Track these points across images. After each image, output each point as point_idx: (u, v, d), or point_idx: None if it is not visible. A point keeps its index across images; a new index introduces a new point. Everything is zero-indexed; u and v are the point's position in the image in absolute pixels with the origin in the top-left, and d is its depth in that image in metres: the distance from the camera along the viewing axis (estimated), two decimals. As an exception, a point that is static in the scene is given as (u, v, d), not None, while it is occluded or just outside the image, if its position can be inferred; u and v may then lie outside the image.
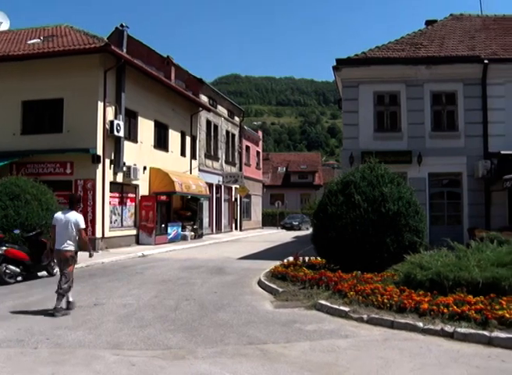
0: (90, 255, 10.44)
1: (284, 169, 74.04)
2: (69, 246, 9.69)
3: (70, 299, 9.84)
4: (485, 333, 7.55)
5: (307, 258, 14.94)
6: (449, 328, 7.87)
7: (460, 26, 25.44)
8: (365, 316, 8.86)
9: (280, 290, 11.58)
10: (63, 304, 9.58)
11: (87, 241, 10.22)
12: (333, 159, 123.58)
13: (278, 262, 15.28)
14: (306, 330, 8.29)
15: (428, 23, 26.78)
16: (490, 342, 7.38)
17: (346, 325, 8.63)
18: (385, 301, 9.21)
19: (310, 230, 15.89)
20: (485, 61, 21.48)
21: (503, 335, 7.41)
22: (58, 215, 10.05)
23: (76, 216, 9.87)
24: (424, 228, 13.75)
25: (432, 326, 8.05)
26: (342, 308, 9.43)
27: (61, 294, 9.51)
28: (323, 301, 9.99)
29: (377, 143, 21.32)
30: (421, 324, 8.16)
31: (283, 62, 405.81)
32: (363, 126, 21.84)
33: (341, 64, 22.15)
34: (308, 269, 13.05)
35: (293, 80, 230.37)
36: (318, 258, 14.55)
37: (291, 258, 15.30)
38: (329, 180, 41.03)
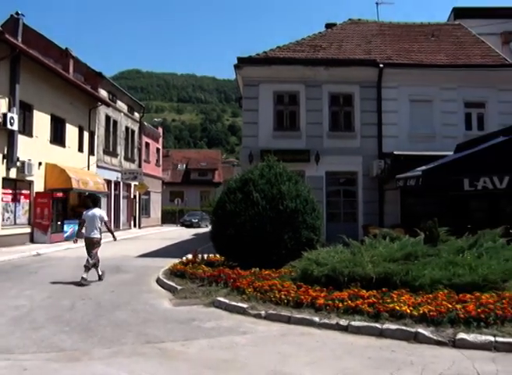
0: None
1: (184, 166, 73.69)
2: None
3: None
4: (377, 325, 7.86)
5: (206, 256, 14.91)
6: (343, 322, 8.12)
7: (357, 31, 26.28)
8: (263, 313, 8.96)
9: (179, 287, 11.50)
10: (88, 276, 12.78)
11: None
12: (233, 157, 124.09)
13: (177, 260, 15.15)
14: (204, 328, 8.28)
15: (328, 26, 27.50)
16: (382, 334, 7.69)
17: (245, 321, 8.69)
18: (283, 297, 9.35)
19: (209, 228, 15.87)
20: (381, 65, 22.33)
21: (393, 327, 7.74)
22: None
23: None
24: (320, 225, 14.10)
25: (327, 321, 8.26)
26: (240, 304, 9.49)
27: (88, 267, 12.84)
28: (221, 299, 10.01)
29: (276, 141, 21.63)
30: (317, 319, 8.36)
31: (185, 59, 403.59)
32: (263, 125, 22.08)
33: (242, 63, 22.28)
34: (207, 267, 13.05)
35: (195, 77, 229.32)
36: (217, 256, 14.56)
37: (190, 256, 15.22)
38: (229, 177, 41.18)
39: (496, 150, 14.97)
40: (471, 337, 7.23)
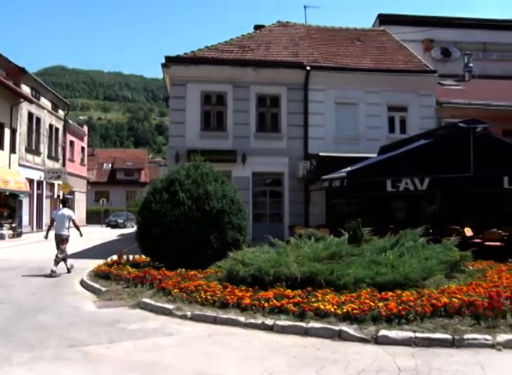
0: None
1: (110, 165, 72.44)
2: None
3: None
4: (302, 324, 7.94)
5: (131, 257, 14.68)
6: (269, 321, 8.15)
7: (286, 33, 26.52)
8: (189, 313, 8.90)
9: (103, 289, 11.26)
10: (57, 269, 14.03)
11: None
12: (160, 157, 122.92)
13: (102, 261, 14.85)
14: (129, 330, 8.14)
15: (257, 27, 27.64)
16: (307, 333, 7.77)
17: (170, 323, 8.60)
18: (209, 297, 9.31)
19: (135, 228, 15.66)
20: (308, 68, 22.63)
21: (318, 325, 7.84)
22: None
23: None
24: (246, 225, 14.16)
25: (253, 320, 8.28)
26: (166, 305, 9.39)
27: (57, 261, 14.22)
28: (147, 300, 9.88)
29: (203, 142, 21.54)
30: (242, 319, 8.36)
31: (112, 56, 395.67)
32: (190, 125, 21.95)
33: (170, 62, 22.08)
34: (132, 268, 12.83)
35: (122, 75, 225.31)
36: (143, 257, 14.37)
37: (115, 257, 14.95)
38: (156, 177, 40.78)
39: (417, 153, 15.47)
40: (392, 333, 7.42)
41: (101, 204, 55.44)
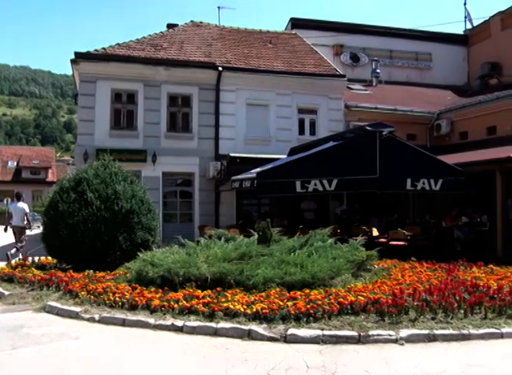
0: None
1: (15, 163, 69.62)
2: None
3: (10, 254, 15.29)
4: (212, 324, 7.94)
5: (36, 259, 14.21)
6: (179, 322, 8.10)
7: (199, 33, 26.41)
8: (97, 316, 8.69)
9: (6, 293, 10.78)
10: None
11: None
12: (68, 155, 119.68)
13: (3, 263, 14.27)
14: (34, 335, 7.82)
15: (170, 26, 27.33)
16: (217, 333, 7.78)
17: (78, 326, 8.35)
18: (117, 299, 9.14)
19: (41, 229, 15.23)
20: (220, 68, 22.62)
21: (227, 325, 7.87)
22: None
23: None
24: (156, 226, 14.03)
25: (162, 322, 8.20)
26: (73, 308, 9.13)
27: (17, 248, 15.70)
28: (53, 303, 9.56)
29: (113, 140, 21.11)
30: (152, 320, 8.26)
31: (18, 50, 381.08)
32: (99, 123, 21.43)
33: (80, 58, 21.43)
34: (38, 270, 12.40)
35: (29, 70, 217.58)
36: (50, 258, 13.94)
37: (19, 259, 14.44)
38: (63, 176, 39.63)
39: (326, 154, 15.79)
40: (300, 332, 7.55)
41: (5, 203, 53.27)
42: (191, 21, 27.89)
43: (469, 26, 32.47)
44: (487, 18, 29.75)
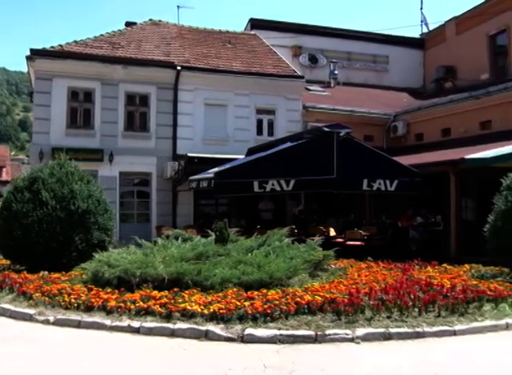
0: None
1: (-34, 162, 68.09)
2: None
3: None
4: (169, 325, 7.90)
5: (-12, 260, 13.92)
6: (135, 323, 8.03)
7: (158, 32, 26.21)
8: (51, 318, 8.53)
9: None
10: None
11: None
12: (23, 154, 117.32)
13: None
14: (-15, 339, 7.65)
15: (128, 24, 27.01)
16: (174, 334, 7.75)
17: (32, 329, 8.20)
18: (73, 300, 8.99)
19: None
20: (178, 67, 22.49)
21: (184, 326, 7.84)
22: None
23: None
24: (113, 226, 13.88)
25: (119, 323, 8.11)
26: (27, 311, 8.94)
27: None
28: (6, 305, 9.36)
29: (69, 139, 20.77)
30: (108, 322, 8.17)
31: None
32: (55, 122, 21.06)
33: (35, 54, 21.00)
34: (-10, 272, 12.16)
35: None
36: (3, 260, 13.66)
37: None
38: (18, 176, 38.86)
39: (283, 155, 15.89)
40: (258, 331, 7.57)
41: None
42: (150, 20, 27.65)
43: (425, 30, 33.08)
44: (442, 23, 30.32)
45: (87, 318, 8.39)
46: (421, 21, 33.44)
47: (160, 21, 27.84)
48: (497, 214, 11.91)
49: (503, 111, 19.17)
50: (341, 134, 15.82)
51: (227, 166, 16.98)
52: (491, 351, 7.25)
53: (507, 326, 8.34)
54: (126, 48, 23.41)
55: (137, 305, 8.55)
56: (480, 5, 26.84)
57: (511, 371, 6.44)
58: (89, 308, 8.74)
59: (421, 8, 33.82)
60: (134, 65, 22.18)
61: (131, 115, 22.37)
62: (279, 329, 7.67)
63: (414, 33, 46.26)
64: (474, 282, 10.55)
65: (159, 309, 8.36)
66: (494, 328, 8.24)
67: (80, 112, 21.75)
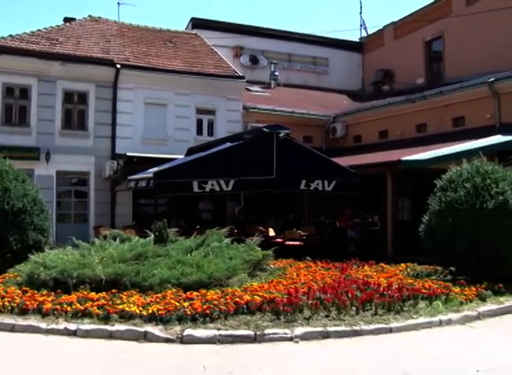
0: None
1: None
2: None
3: None
4: (107, 327, 7.80)
5: None
6: (72, 326, 7.89)
7: (97, 29, 25.71)
8: (-19, 322, 8.30)
9: None
10: None
11: None
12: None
13: None
14: None
15: (67, 20, 26.41)
16: (112, 336, 7.66)
17: (-39, 333, 7.95)
18: (6, 304, 8.72)
19: None
20: (118, 65, 22.16)
21: (123, 328, 7.76)
22: None
23: None
24: (49, 226, 13.58)
25: (55, 326, 7.95)
26: (-43, 314, 8.67)
27: None
28: None
29: (3, 137, 20.12)
30: (44, 325, 7.99)
31: None
32: (-12, 119, 20.48)
33: (-33, 49, 20.39)
34: None
35: None
36: None
37: None
38: None
39: (223, 155, 15.91)
40: (197, 332, 7.57)
41: None
42: (89, 16, 27.09)
43: (364, 34, 33.76)
44: (381, 27, 31.01)
45: (21, 321, 8.17)
46: (361, 25, 34.20)
47: (100, 18, 27.33)
48: (431, 214, 12.27)
49: (437, 114, 19.74)
50: (280, 135, 15.96)
51: (166, 165, 16.86)
52: (424, 347, 7.48)
53: (441, 323, 8.64)
54: (65, 45, 22.90)
55: (74, 307, 8.39)
56: (417, 11, 27.65)
57: (443, 365, 6.65)
58: (23, 311, 8.51)
59: (361, 13, 34.86)
60: (72, 62, 21.72)
61: (69, 113, 21.91)
62: (219, 329, 7.69)
63: (354, 36, 47.15)
64: (410, 281, 10.87)
65: (97, 311, 8.23)
66: (428, 325, 8.51)
67: (16, 109, 21.16)
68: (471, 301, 9.69)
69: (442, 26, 25.65)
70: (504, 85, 17.28)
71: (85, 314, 8.24)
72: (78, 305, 8.45)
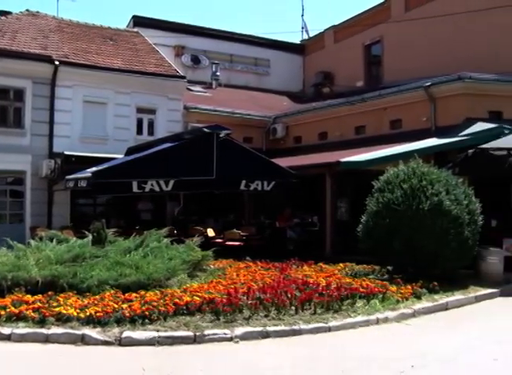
0: None
1: None
2: None
3: None
4: (43, 331, 7.66)
5: None
6: (6, 330, 7.70)
7: (35, 23, 25.06)
8: None
9: None
10: None
11: None
12: None
13: None
14: None
15: (2, 13, 25.64)
16: (48, 339, 7.54)
17: None
18: None
19: None
20: (56, 62, 21.66)
21: (59, 331, 7.64)
22: None
23: None
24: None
25: (-12, 330, 7.75)
26: None
27: None
28: None
29: None
30: (-25, 328, 7.78)
31: None
32: None
33: None
34: None
35: None
36: None
37: None
38: None
39: (163, 155, 15.79)
40: (136, 334, 7.53)
41: None
42: (27, 10, 26.41)
43: (306, 37, 34.10)
44: (322, 30, 31.38)
45: (-49, 326, 7.93)
46: (302, 27, 34.45)
47: (38, 12, 26.67)
48: (369, 215, 12.54)
49: (376, 117, 20.12)
50: (221, 135, 15.97)
51: (105, 165, 16.61)
52: (362, 345, 7.66)
53: (378, 321, 8.89)
54: (0, 39, 22.28)
55: (8, 310, 8.20)
56: (357, 15, 28.12)
57: (379, 362, 6.82)
58: (-47, 317, 8.25)
59: (302, 15, 34.93)
60: (8, 57, 21.08)
61: (4, 110, 21.30)
62: (158, 331, 7.67)
63: (296, 38, 47.61)
64: (348, 280, 11.10)
65: (32, 314, 8.07)
66: (366, 323, 8.75)
67: None
68: (407, 300, 10.02)
69: (382, 31, 26.16)
70: (440, 90, 17.75)
71: (20, 317, 8.07)
72: (12, 308, 8.26)
